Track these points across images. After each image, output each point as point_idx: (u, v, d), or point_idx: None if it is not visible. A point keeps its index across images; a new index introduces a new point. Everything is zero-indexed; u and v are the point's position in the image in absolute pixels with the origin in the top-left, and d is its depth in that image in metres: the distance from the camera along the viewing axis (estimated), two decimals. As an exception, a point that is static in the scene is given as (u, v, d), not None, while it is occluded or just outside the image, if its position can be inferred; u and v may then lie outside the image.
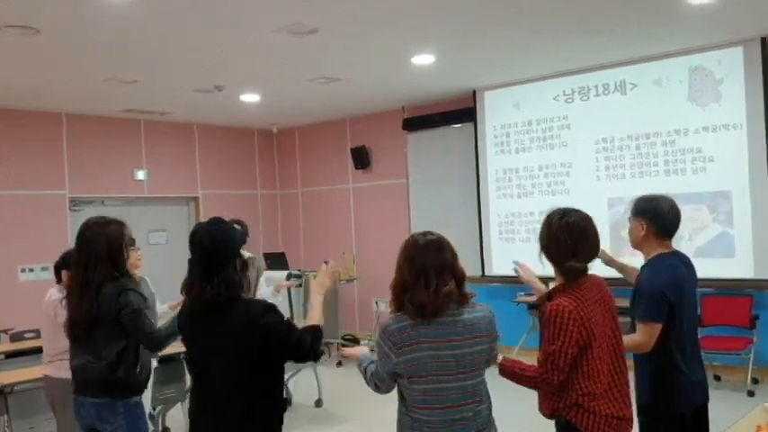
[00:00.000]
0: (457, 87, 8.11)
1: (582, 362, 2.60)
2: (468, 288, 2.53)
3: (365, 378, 2.64)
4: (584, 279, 2.69)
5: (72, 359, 3.31)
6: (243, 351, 2.55)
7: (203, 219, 9.50)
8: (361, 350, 2.81)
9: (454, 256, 2.52)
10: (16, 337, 6.43)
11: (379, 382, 2.56)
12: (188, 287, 2.68)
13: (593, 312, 2.62)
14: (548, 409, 2.74)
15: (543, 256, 2.76)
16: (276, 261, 9.20)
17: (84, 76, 6.70)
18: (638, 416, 3.10)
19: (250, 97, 8.08)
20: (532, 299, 6.70)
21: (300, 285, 5.74)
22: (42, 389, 4.09)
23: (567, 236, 2.64)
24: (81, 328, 3.21)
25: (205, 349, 2.64)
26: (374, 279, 9.22)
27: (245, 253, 5.84)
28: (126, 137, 9.11)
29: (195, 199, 9.86)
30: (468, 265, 9.01)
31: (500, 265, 8.21)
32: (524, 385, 2.70)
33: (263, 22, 5.22)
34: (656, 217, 3.09)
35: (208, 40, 5.69)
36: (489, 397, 2.57)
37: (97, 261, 3.22)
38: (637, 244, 3.19)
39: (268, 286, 5.85)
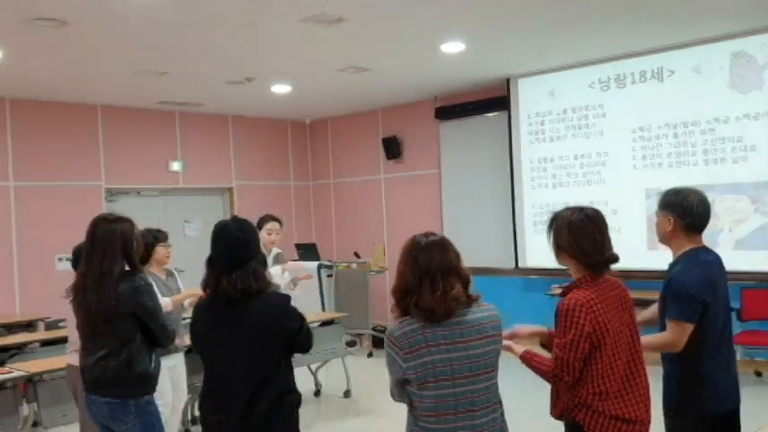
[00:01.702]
0: (490, 76, 7.97)
1: (595, 359, 2.51)
2: (472, 289, 2.43)
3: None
4: (603, 276, 2.61)
5: (84, 356, 3.30)
6: (270, 341, 2.56)
7: (238, 209, 9.72)
8: None
9: (458, 257, 2.42)
10: (51, 326, 6.56)
11: (393, 390, 2.45)
12: (213, 282, 2.67)
13: (609, 308, 2.53)
14: (558, 410, 2.66)
15: (564, 257, 2.65)
16: (307, 252, 9.21)
17: (116, 69, 6.76)
18: (665, 417, 2.99)
19: (281, 88, 8.07)
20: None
21: (311, 277, 5.77)
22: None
23: (595, 228, 2.57)
24: (99, 323, 3.21)
25: (233, 344, 2.61)
26: (406, 270, 9.16)
27: (276, 249, 5.84)
28: (161, 128, 9.20)
29: (230, 190, 9.92)
30: (502, 257, 8.97)
31: (534, 257, 8.08)
32: (542, 377, 2.62)
33: (288, 12, 5.19)
34: (685, 212, 2.94)
35: (235, 32, 5.68)
36: (501, 402, 2.47)
37: (114, 255, 3.23)
38: (664, 239, 3.04)
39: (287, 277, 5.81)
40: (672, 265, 3.02)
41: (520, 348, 2.69)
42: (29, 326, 7.19)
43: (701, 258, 2.96)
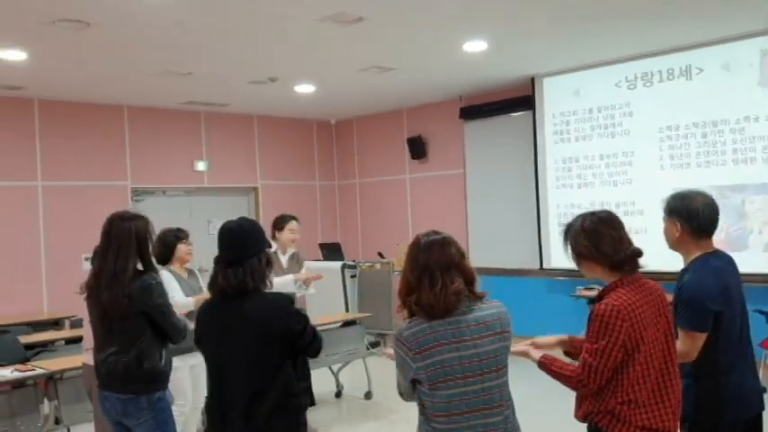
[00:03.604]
0: (514, 75, 7.89)
1: (627, 366, 2.42)
2: (477, 286, 2.38)
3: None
4: (637, 276, 2.52)
5: (96, 353, 3.34)
6: (270, 342, 2.52)
7: (263, 209, 9.74)
8: None
9: (462, 254, 2.38)
10: (76, 324, 6.64)
11: (402, 391, 2.42)
12: (213, 280, 2.67)
13: (646, 314, 2.44)
14: (582, 414, 2.58)
15: (588, 265, 2.57)
16: (331, 252, 9.20)
17: (139, 70, 6.82)
18: (682, 427, 2.89)
19: (305, 88, 8.07)
20: (592, 293, 6.47)
21: (321, 277, 5.73)
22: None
23: (610, 228, 2.51)
24: (113, 321, 3.23)
25: (231, 345, 2.59)
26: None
27: (292, 249, 5.79)
28: (187, 128, 9.27)
29: (255, 189, 9.96)
30: (526, 258, 8.85)
31: (559, 258, 7.94)
32: (563, 383, 2.54)
33: (308, 11, 5.18)
34: (691, 216, 2.83)
35: (255, 32, 5.69)
36: (512, 400, 2.42)
37: (128, 254, 3.24)
38: (673, 245, 2.93)
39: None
40: (683, 272, 2.91)
41: (537, 353, 2.62)
42: (55, 324, 7.29)
43: (712, 264, 2.86)
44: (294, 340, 2.57)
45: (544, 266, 8.13)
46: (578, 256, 2.58)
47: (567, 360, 2.62)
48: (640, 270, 2.56)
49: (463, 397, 2.27)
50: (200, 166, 9.35)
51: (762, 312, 6.06)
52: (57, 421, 4.57)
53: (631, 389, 2.43)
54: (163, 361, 3.29)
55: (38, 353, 5.77)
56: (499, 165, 8.73)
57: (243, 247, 2.64)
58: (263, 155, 10.02)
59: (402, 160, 9.93)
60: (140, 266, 3.33)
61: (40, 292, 7.92)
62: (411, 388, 2.36)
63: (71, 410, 4.61)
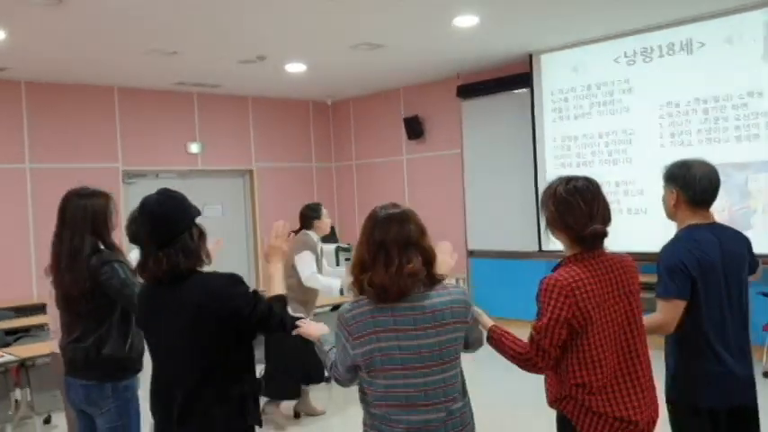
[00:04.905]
0: (511, 51, 7.65)
1: (576, 346, 2.28)
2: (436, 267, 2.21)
3: (326, 365, 2.35)
4: (600, 252, 2.36)
5: (62, 338, 3.19)
6: (207, 328, 2.32)
7: (259, 191, 9.58)
8: (321, 329, 2.46)
9: (422, 231, 2.19)
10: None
11: (337, 375, 2.27)
12: (142, 266, 2.45)
13: (599, 292, 2.28)
14: (550, 399, 2.43)
15: (554, 233, 2.44)
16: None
17: (123, 48, 6.64)
18: (667, 409, 2.73)
19: (296, 67, 7.88)
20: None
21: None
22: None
23: (580, 200, 2.34)
24: (78, 304, 3.06)
25: (167, 332, 2.41)
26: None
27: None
28: (179, 110, 9.11)
29: (250, 172, 9.80)
30: (525, 240, 8.64)
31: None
32: (511, 361, 2.37)
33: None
34: (687, 185, 2.70)
35: (240, 7, 5.50)
36: (467, 394, 2.26)
37: (83, 232, 3.07)
38: (670, 214, 2.81)
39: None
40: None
41: (489, 321, 2.43)
42: (43, 308, 7.18)
43: (695, 235, 2.69)
44: (240, 322, 2.35)
45: (543, 248, 7.92)
46: (546, 220, 2.46)
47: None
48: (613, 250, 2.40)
49: (402, 389, 2.12)
50: (194, 148, 9.19)
51: (765, 294, 5.85)
52: (32, 408, 4.49)
53: (584, 372, 2.28)
54: (127, 347, 3.11)
55: (18, 338, 5.67)
56: (497, 144, 8.52)
57: (169, 225, 2.39)
58: (258, 137, 9.85)
59: (399, 141, 9.73)
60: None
61: (30, 276, 7.81)
62: (349, 373, 2.22)
63: (44, 398, 4.52)
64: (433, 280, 2.18)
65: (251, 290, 2.44)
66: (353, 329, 2.14)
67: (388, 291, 2.10)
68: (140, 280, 2.61)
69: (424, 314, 2.13)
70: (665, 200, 2.81)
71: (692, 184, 2.70)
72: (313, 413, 5.58)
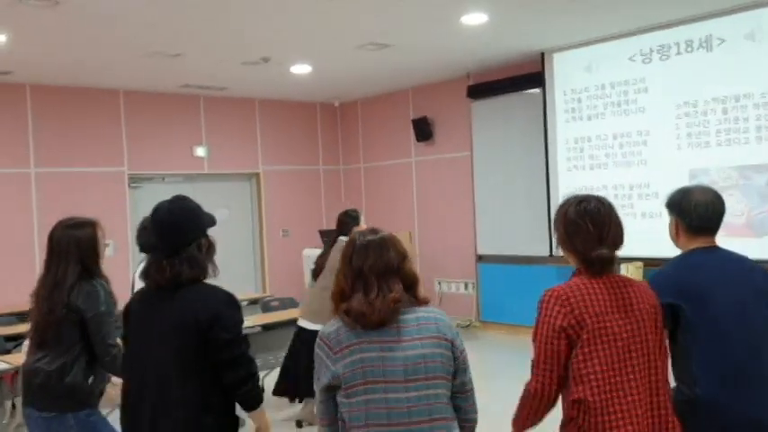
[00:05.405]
0: (522, 50, 7.48)
1: (573, 356, 2.15)
2: (420, 290, 2.14)
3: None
4: (609, 274, 2.25)
5: (27, 358, 3.10)
6: (184, 345, 2.21)
7: (265, 195, 9.45)
8: None
9: (403, 256, 2.15)
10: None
11: (319, 406, 2.14)
12: (146, 272, 2.40)
13: (600, 300, 2.18)
14: (561, 424, 2.26)
15: (563, 251, 2.36)
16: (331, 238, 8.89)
17: (126, 51, 6.53)
18: None
19: (301, 68, 7.74)
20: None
21: None
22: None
23: (590, 222, 2.26)
24: (47, 332, 3.00)
25: (147, 342, 2.30)
26: (436, 256, 8.79)
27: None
28: (185, 113, 9.00)
29: (256, 175, 9.67)
30: (536, 245, 8.44)
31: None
32: (526, 409, 2.25)
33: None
34: (683, 212, 2.60)
35: (241, 7, 5.36)
36: (455, 419, 2.12)
37: (67, 264, 3.02)
38: (673, 240, 2.69)
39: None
40: None
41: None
42: (46, 314, 7.08)
43: (692, 259, 2.56)
44: (212, 348, 2.21)
45: (554, 254, 7.73)
46: (557, 239, 2.40)
47: None
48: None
49: (384, 405, 2.01)
50: (200, 151, 9.08)
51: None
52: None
53: (581, 386, 2.13)
54: (90, 380, 2.99)
55: (19, 344, 5.53)
56: (508, 146, 8.33)
57: (177, 235, 2.35)
58: (264, 139, 9.72)
59: (408, 143, 9.56)
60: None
61: (34, 281, 7.67)
62: (327, 397, 2.10)
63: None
64: (417, 301, 2.15)
65: (243, 324, 2.36)
66: (334, 343, 2.07)
67: (368, 317, 2.04)
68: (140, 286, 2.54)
69: (408, 327, 2.07)
70: (669, 227, 2.72)
71: (688, 212, 2.59)
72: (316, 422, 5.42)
